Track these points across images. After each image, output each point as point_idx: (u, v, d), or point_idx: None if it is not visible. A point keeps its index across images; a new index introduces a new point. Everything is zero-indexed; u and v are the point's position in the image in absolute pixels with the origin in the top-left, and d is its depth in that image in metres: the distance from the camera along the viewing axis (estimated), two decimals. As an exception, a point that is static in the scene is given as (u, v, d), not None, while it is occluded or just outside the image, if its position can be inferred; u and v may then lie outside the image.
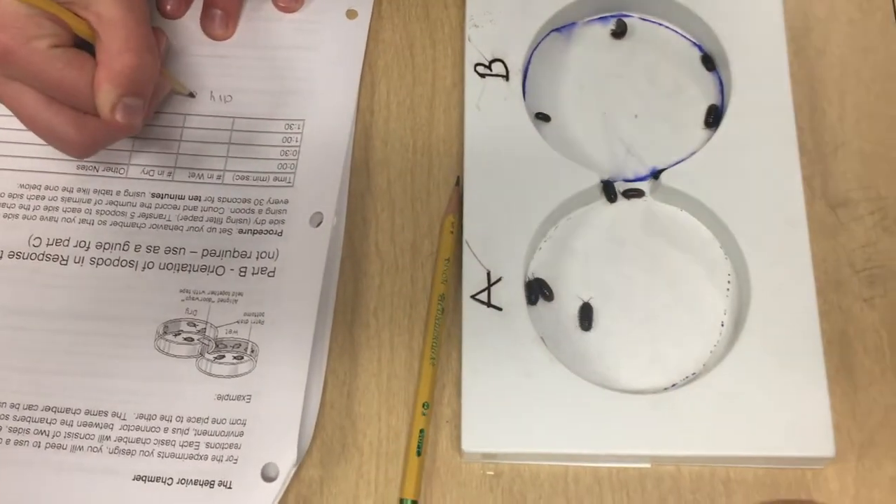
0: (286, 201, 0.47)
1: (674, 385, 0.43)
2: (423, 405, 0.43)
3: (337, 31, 0.50)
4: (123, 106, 0.42)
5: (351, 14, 0.51)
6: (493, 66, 0.47)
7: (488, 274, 0.43)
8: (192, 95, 0.49)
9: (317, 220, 0.46)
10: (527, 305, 0.43)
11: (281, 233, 0.46)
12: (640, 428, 0.41)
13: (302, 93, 0.49)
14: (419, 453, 0.42)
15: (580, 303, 0.44)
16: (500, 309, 0.43)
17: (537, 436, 0.41)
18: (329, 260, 0.45)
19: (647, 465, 0.42)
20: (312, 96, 0.49)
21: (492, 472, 0.42)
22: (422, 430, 0.42)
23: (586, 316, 0.44)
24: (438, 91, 0.49)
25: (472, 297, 0.43)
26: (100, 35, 0.42)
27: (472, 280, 0.43)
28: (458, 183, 0.47)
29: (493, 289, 0.43)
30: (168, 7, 0.50)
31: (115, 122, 0.42)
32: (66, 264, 0.46)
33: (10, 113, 0.45)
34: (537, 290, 0.44)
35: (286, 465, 0.41)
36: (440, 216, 0.47)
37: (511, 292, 0.43)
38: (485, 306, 0.43)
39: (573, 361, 0.43)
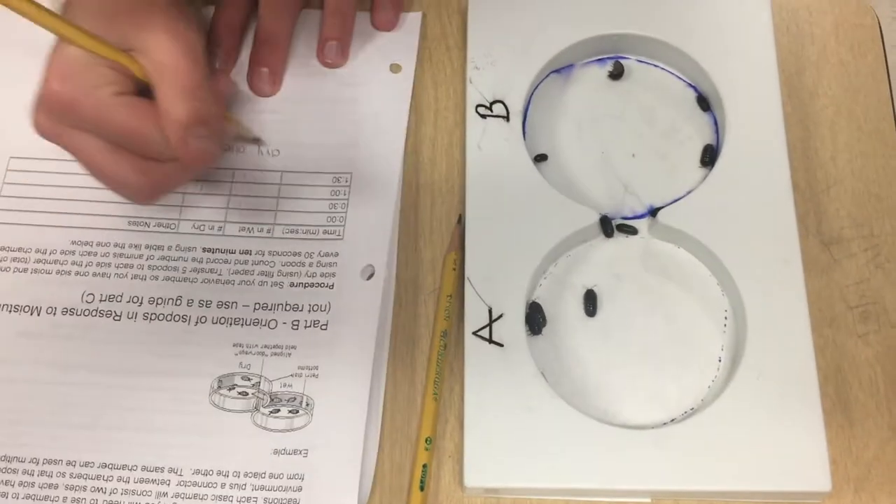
0: (336, 254, 0.47)
1: (673, 420, 0.43)
2: (426, 440, 0.43)
3: (382, 85, 0.51)
4: (194, 137, 0.42)
5: (395, 68, 0.51)
6: (494, 107, 0.49)
7: (490, 310, 0.44)
8: (257, 141, 0.49)
9: (368, 272, 0.46)
10: (527, 341, 0.44)
11: (332, 286, 0.46)
12: (640, 463, 0.41)
13: (349, 146, 0.49)
14: (422, 488, 0.42)
15: (583, 301, 0.46)
16: (501, 345, 0.44)
17: (539, 471, 0.42)
18: (382, 311, 0.45)
19: (648, 500, 0.43)
20: (359, 149, 0.49)
21: (493, 507, 0.43)
22: (425, 465, 0.43)
23: (591, 301, 0.45)
24: (440, 131, 0.50)
25: (474, 333, 0.44)
26: (158, 80, 0.42)
27: (474, 316, 0.44)
28: (460, 221, 0.48)
29: (494, 325, 0.44)
30: (216, 59, 0.51)
31: (189, 153, 0.42)
32: (119, 320, 0.46)
33: (61, 170, 0.47)
34: (535, 317, 0.45)
35: None
36: (442, 253, 0.48)
37: (512, 328, 0.44)
38: (486, 342, 0.44)
39: (573, 396, 0.44)
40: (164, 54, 0.42)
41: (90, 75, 0.42)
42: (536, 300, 0.46)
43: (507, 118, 0.48)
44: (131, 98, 0.43)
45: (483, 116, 0.49)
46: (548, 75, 0.51)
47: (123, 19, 0.42)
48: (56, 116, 0.42)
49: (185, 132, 0.42)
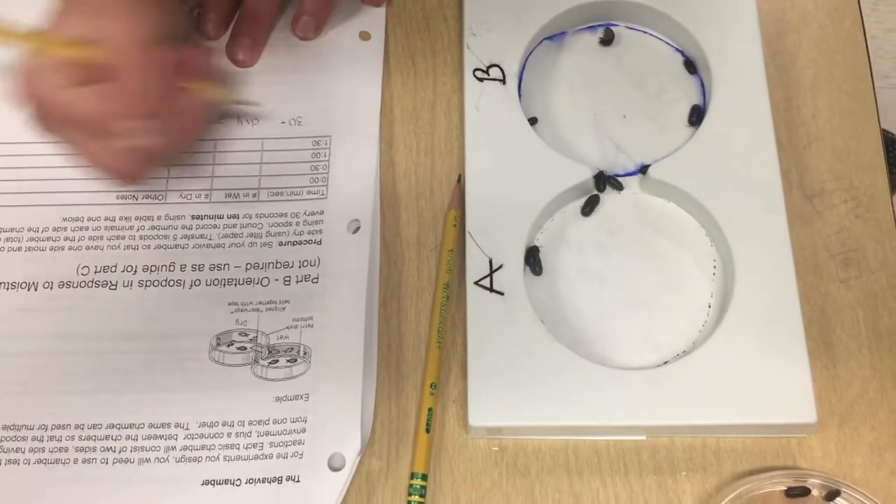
0: (322, 212, 0.49)
1: (666, 363, 0.46)
2: (431, 385, 0.45)
3: (353, 53, 0.53)
4: (143, 131, 0.44)
5: (364, 35, 0.54)
6: (491, 70, 0.51)
7: (490, 261, 0.46)
8: (252, 104, 0.51)
9: (354, 226, 0.48)
10: (526, 290, 0.46)
11: (320, 242, 0.48)
12: (635, 401, 0.44)
13: (326, 111, 0.51)
14: (428, 430, 0.44)
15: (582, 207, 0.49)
16: (501, 293, 0.46)
17: (539, 410, 0.44)
18: (371, 261, 0.47)
19: (643, 438, 0.45)
20: (336, 114, 0.51)
21: (496, 448, 0.45)
22: (430, 409, 0.45)
23: (591, 206, 0.49)
24: (439, 96, 0.52)
25: (476, 282, 0.46)
26: (114, 67, 0.43)
27: (475, 267, 0.46)
28: (460, 180, 0.50)
29: (494, 275, 0.46)
30: (209, 25, 0.53)
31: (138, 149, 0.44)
32: (115, 289, 0.48)
33: (48, 152, 0.48)
34: (532, 259, 0.47)
35: (351, 453, 0.43)
36: (443, 211, 0.50)
37: (512, 278, 0.46)
38: (487, 291, 0.46)
39: (571, 342, 0.46)
40: (121, 41, 0.43)
41: (52, 75, 0.43)
42: (535, 244, 0.48)
43: (503, 81, 0.51)
44: (95, 86, 0.43)
45: (480, 80, 0.51)
46: (541, 41, 0.53)
47: (86, 9, 0.44)
48: (36, 116, 0.44)
49: (136, 124, 0.43)
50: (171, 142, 0.47)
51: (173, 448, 0.44)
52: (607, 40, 0.53)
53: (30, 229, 0.49)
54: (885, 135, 0.88)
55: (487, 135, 0.49)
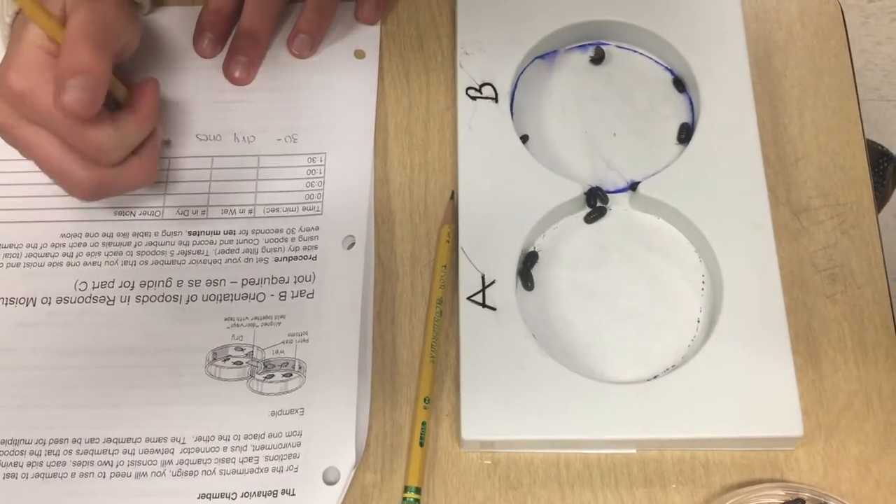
0: (317, 228, 0.50)
1: (656, 377, 0.46)
2: (425, 400, 0.46)
3: (348, 71, 0.54)
4: (68, 88, 0.42)
5: (359, 54, 0.54)
6: (483, 89, 0.52)
7: (482, 277, 0.47)
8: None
9: (348, 242, 0.49)
10: (518, 305, 0.46)
11: (315, 257, 0.49)
12: (626, 414, 0.44)
13: (321, 128, 0.52)
14: (422, 444, 0.45)
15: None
16: (494, 309, 0.46)
17: (531, 424, 0.44)
18: (365, 276, 0.48)
19: (633, 451, 0.45)
20: (331, 130, 0.52)
21: (489, 461, 0.45)
22: (424, 423, 0.45)
23: (596, 212, 0.49)
24: (433, 114, 0.53)
25: (469, 298, 0.47)
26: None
27: (468, 283, 0.47)
28: (453, 196, 0.51)
29: (487, 291, 0.47)
30: (204, 43, 0.54)
31: (60, 103, 0.42)
32: (112, 304, 0.48)
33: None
34: (529, 264, 0.48)
35: (346, 467, 0.44)
36: (437, 227, 0.50)
37: (504, 293, 0.47)
38: (480, 307, 0.47)
39: (562, 357, 0.46)
40: (74, 19, 0.44)
41: (46, 72, 0.44)
42: (534, 249, 0.49)
43: (495, 99, 0.51)
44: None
45: (473, 98, 0.51)
46: (533, 60, 0.54)
47: None
48: (10, 107, 0.44)
49: (61, 81, 0.42)
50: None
51: (170, 462, 0.45)
52: (598, 59, 0.54)
53: (28, 245, 0.50)
54: (874, 147, 0.89)
55: (480, 152, 0.50)
